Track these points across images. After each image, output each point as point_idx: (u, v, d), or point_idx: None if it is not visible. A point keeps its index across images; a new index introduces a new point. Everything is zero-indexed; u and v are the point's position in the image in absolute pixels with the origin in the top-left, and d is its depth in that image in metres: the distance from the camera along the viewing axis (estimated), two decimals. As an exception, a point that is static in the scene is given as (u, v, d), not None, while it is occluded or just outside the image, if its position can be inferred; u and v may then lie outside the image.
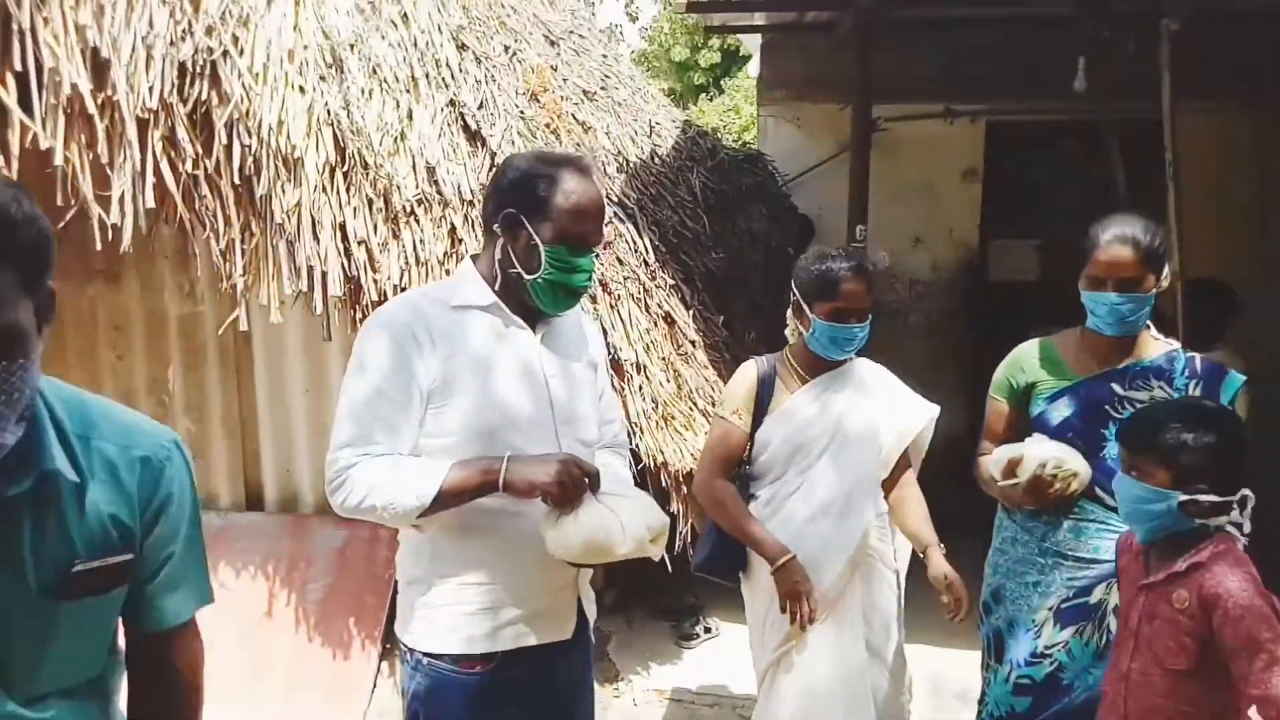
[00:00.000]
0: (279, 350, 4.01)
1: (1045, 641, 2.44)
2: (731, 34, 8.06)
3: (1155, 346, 2.44)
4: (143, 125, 3.13)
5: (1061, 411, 2.42)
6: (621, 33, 17.27)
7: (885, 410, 2.61)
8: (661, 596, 4.26)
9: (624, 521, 1.79)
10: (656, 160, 4.68)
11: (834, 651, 2.52)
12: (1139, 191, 5.83)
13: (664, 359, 3.58)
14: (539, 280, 1.86)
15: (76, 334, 4.13)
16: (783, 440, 2.55)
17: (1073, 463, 2.32)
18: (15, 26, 2.97)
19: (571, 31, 4.86)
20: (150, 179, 3.13)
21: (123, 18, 3.07)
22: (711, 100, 15.71)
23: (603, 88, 4.64)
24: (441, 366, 1.82)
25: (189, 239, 3.35)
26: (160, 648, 1.41)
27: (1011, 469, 2.35)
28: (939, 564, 2.46)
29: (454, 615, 1.88)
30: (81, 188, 3.14)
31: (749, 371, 2.61)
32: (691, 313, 3.86)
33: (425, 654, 1.90)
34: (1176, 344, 2.46)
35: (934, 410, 2.64)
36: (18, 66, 3.00)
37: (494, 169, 2.03)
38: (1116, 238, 2.30)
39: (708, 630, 4.20)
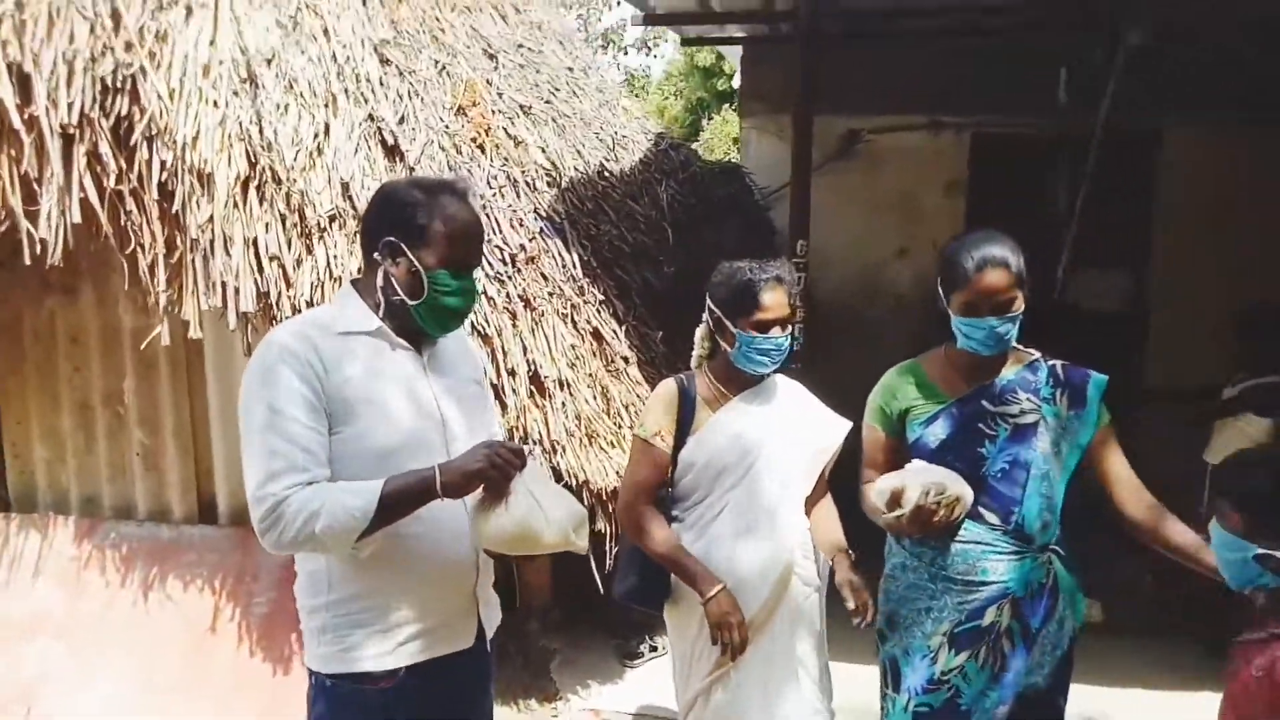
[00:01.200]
0: (229, 365, 3.95)
1: (941, 667, 2.38)
2: (708, 45, 8.00)
3: (1018, 358, 2.39)
4: (67, 140, 3.17)
5: (938, 434, 2.37)
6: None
7: (806, 427, 2.57)
8: (608, 614, 4.16)
9: (548, 511, 1.81)
10: (608, 174, 4.63)
11: (764, 673, 2.48)
12: (1122, 202, 5.78)
13: (591, 375, 3.54)
14: (423, 305, 1.86)
15: (35, 347, 4.15)
16: (707, 461, 2.47)
17: (954, 487, 2.26)
18: (-60, 42, 3.05)
19: (520, 45, 4.83)
20: (76, 194, 3.18)
21: (44, 33, 3.12)
22: (735, 109, 15.58)
23: (548, 101, 4.60)
24: (334, 393, 1.82)
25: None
26: None
27: (896, 500, 2.28)
28: (845, 569, 2.44)
29: (356, 636, 1.88)
30: (11, 202, 3.20)
31: (669, 390, 2.53)
32: (625, 328, 3.80)
33: (329, 675, 1.90)
34: (1036, 353, 2.41)
35: (848, 425, 2.60)
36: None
37: (371, 198, 2.02)
38: (990, 262, 2.23)
39: (653, 649, 4.13)
